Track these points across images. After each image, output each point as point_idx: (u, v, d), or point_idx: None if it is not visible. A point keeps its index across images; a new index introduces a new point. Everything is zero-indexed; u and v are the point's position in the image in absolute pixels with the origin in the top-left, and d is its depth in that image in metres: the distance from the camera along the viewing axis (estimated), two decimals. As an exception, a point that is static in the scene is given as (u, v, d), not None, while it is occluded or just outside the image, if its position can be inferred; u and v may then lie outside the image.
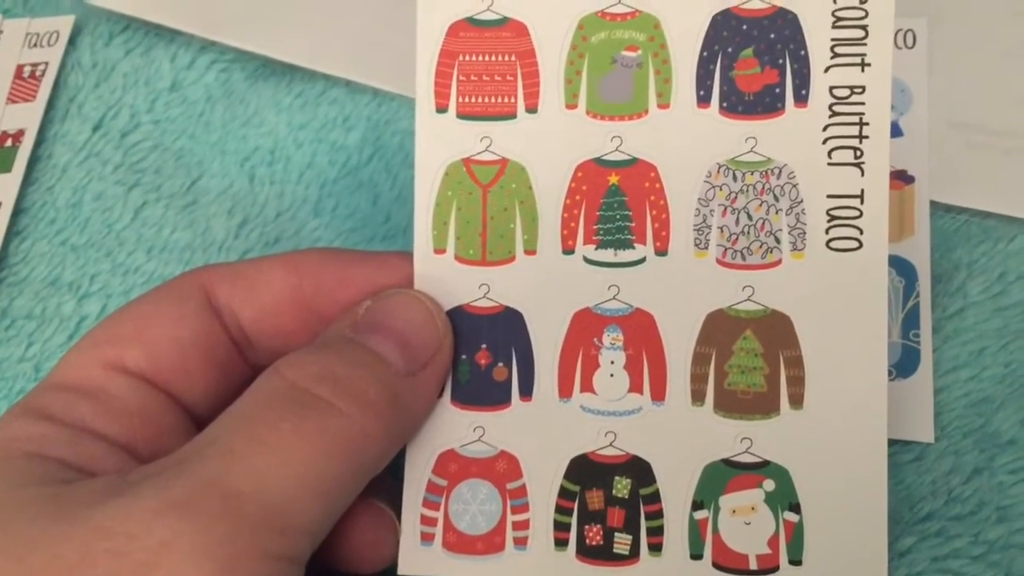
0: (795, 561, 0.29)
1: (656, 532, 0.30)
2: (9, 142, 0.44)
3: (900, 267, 0.37)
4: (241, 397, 0.26)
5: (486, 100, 0.31)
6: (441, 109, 0.31)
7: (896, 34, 0.39)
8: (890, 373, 0.35)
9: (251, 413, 0.25)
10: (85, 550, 0.22)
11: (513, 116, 0.31)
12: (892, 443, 0.35)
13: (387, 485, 0.31)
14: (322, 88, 0.43)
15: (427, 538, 0.31)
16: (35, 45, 0.46)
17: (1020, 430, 0.35)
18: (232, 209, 0.42)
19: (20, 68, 0.46)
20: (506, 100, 0.31)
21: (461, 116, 0.31)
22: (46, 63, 0.45)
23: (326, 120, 0.43)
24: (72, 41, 0.46)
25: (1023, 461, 0.35)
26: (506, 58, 0.31)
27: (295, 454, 0.24)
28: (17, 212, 0.42)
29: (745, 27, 0.30)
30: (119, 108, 0.44)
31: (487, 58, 0.31)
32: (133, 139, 0.44)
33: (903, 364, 0.36)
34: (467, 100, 0.31)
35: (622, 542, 0.30)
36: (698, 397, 0.30)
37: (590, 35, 0.31)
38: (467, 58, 0.31)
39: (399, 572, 0.30)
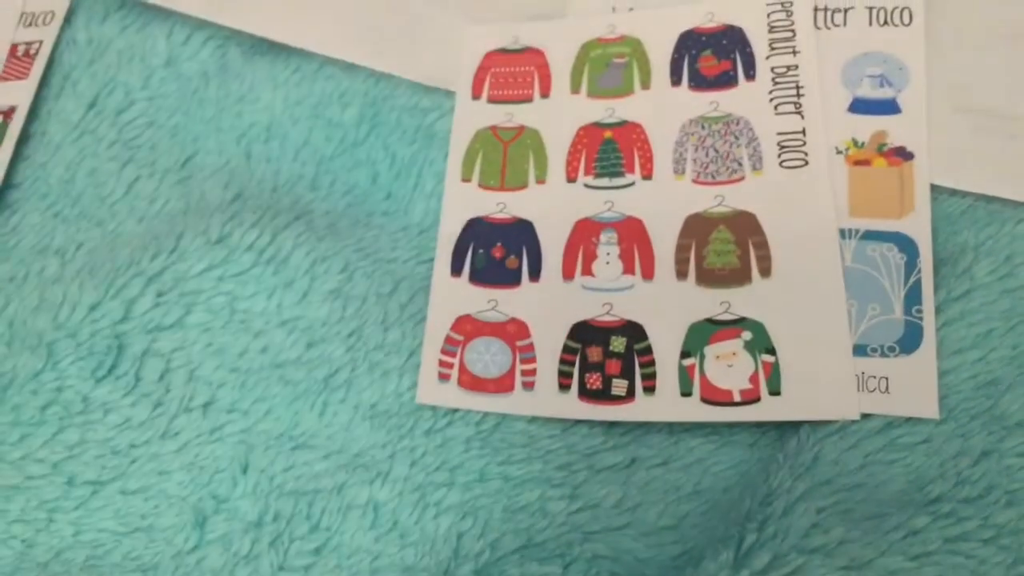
0: (774, 392, 0.35)
1: (649, 377, 0.36)
2: (0, 119, 0.43)
3: (901, 243, 0.36)
4: None
5: (510, 92, 0.41)
6: (475, 97, 0.42)
7: (892, 12, 0.40)
8: (893, 349, 0.35)
9: None
10: None
11: (530, 100, 0.41)
12: (899, 423, 0.34)
13: None
14: (319, 64, 0.43)
15: (444, 377, 0.37)
16: (30, 24, 0.46)
17: (1029, 412, 0.34)
18: (228, 184, 0.41)
19: (14, 47, 0.45)
20: (525, 91, 0.41)
21: (491, 101, 0.41)
22: (40, 42, 0.45)
23: (323, 96, 0.42)
24: (68, 20, 0.45)
25: (1032, 444, 0.34)
26: (527, 68, 0.42)
27: None
28: (8, 187, 0.42)
29: (704, 38, 0.40)
30: (114, 86, 0.44)
31: (512, 69, 0.42)
32: (128, 116, 0.43)
33: (906, 340, 0.35)
34: (496, 92, 0.41)
35: (619, 386, 0.36)
36: (682, 274, 0.37)
37: (590, 52, 0.42)
38: (497, 70, 0.42)
39: (417, 401, 0.37)
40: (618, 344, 0.36)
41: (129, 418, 0.37)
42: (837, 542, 0.32)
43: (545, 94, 0.41)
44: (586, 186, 0.39)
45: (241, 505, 0.36)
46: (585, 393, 0.36)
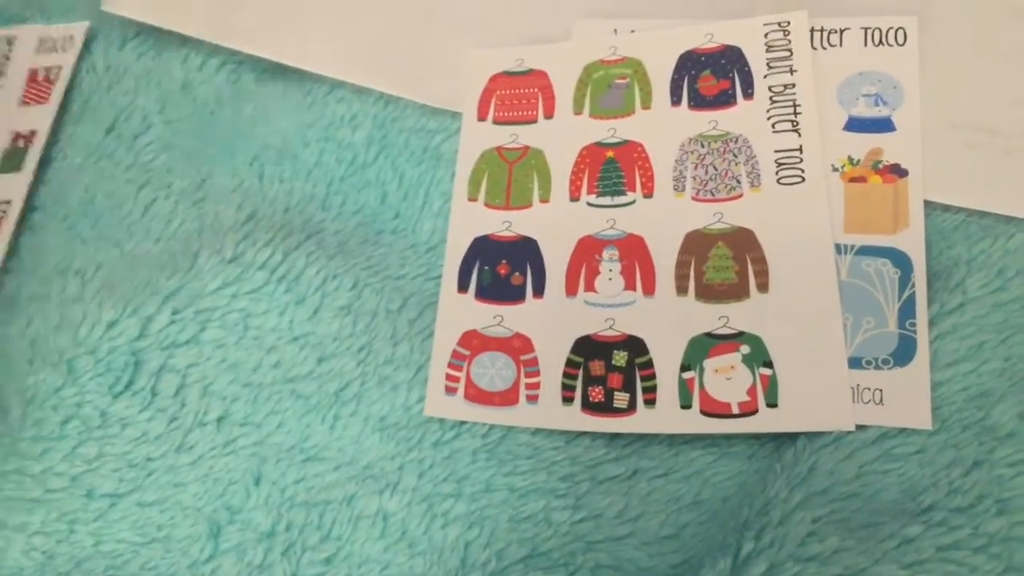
0: (771, 404, 0.35)
1: (650, 390, 0.37)
2: (21, 143, 0.44)
3: (895, 258, 0.37)
4: None
5: (515, 114, 0.42)
6: (481, 119, 0.43)
7: (887, 32, 0.41)
8: (887, 362, 0.36)
9: None
10: None
11: (535, 121, 0.42)
12: (893, 433, 0.35)
13: None
14: (329, 87, 0.44)
15: (451, 390, 0.38)
16: (50, 50, 0.47)
17: (1019, 423, 0.35)
18: (241, 204, 0.42)
19: (34, 72, 0.46)
20: (530, 113, 0.42)
21: (497, 123, 0.42)
22: (60, 67, 0.46)
23: (333, 119, 0.43)
24: (87, 46, 0.47)
25: (1022, 454, 0.34)
26: (531, 90, 0.43)
27: None
28: (30, 210, 0.43)
29: (703, 59, 0.41)
30: (131, 110, 0.45)
31: (517, 91, 0.43)
32: (145, 140, 0.44)
33: (900, 353, 0.36)
34: (501, 114, 0.42)
35: (621, 399, 0.37)
36: (682, 290, 0.38)
37: (592, 73, 0.42)
38: (502, 92, 0.43)
39: (424, 414, 0.38)
40: (620, 358, 0.37)
41: (146, 432, 0.38)
42: (832, 550, 0.32)
43: (549, 115, 0.42)
44: (589, 204, 0.40)
45: (254, 516, 0.37)
46: (588, 406, 0.37)
